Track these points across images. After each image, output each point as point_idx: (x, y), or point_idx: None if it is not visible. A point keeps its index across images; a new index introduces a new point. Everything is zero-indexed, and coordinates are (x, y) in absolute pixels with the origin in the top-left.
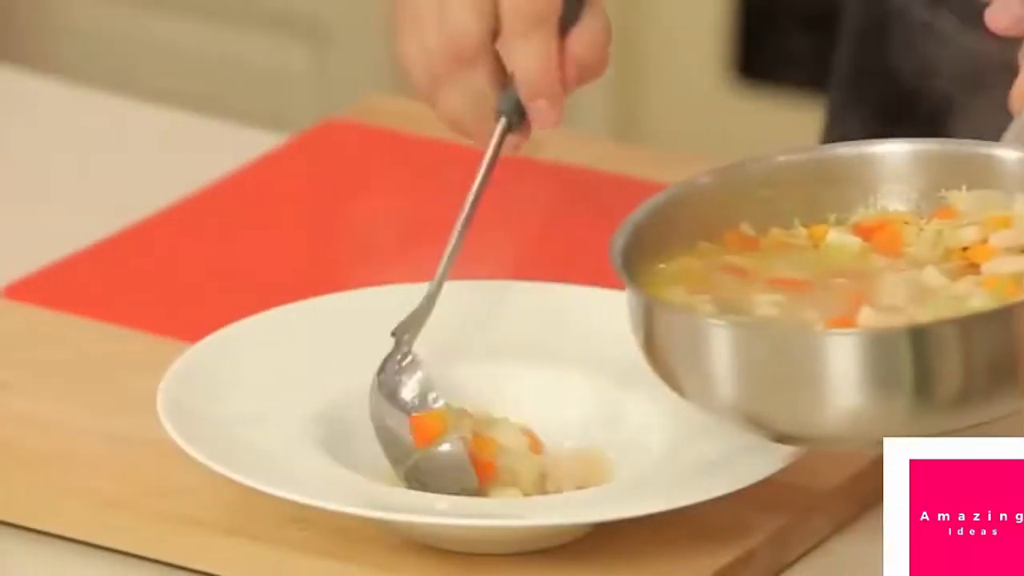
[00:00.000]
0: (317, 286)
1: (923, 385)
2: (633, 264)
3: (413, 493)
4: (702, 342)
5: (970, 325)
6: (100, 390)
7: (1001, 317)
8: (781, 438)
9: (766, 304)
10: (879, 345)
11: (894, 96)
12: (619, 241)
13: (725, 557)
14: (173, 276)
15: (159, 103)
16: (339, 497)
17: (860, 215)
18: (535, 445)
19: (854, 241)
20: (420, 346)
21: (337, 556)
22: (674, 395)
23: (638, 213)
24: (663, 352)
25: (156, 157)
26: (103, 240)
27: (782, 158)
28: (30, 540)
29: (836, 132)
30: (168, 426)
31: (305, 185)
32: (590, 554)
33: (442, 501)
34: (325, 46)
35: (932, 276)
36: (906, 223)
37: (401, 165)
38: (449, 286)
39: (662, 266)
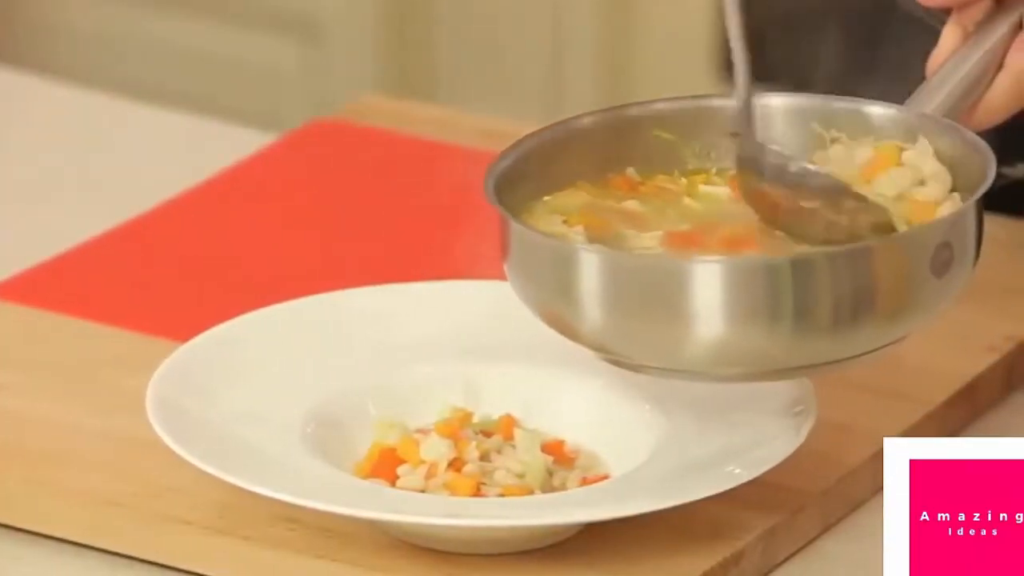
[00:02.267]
0: (308, 285)
1: (792, 314)
2: (515, 193)
3: (405, 493)
4: (572, 269)
5: (832, 259)
6: (93, 390)
7: (863, 254)
8: (646, 369)
9: (641, 239)
10: (741, 274)
11: (880, 93)
12: (499, 167)
13: (714, 557)
14: (164, 275)
15: (152, 102)
16: (330, 497)
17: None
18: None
19: (723, 191)
20: (418, 346)
21: (327, 556)
22: (664, 392)
23: (526, 143)
24: (530, 279)
25: (149, 156)
26: (93, 239)
27: (661, 105)
28: (23, 540)
29: None
30: (156, 425)
31: (295, 184)
32: (579, 554)
33: (433, 501)
34: (318, 46)
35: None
36: None
37: (390, 165)
38: (447, 286)
39: (546, 199)
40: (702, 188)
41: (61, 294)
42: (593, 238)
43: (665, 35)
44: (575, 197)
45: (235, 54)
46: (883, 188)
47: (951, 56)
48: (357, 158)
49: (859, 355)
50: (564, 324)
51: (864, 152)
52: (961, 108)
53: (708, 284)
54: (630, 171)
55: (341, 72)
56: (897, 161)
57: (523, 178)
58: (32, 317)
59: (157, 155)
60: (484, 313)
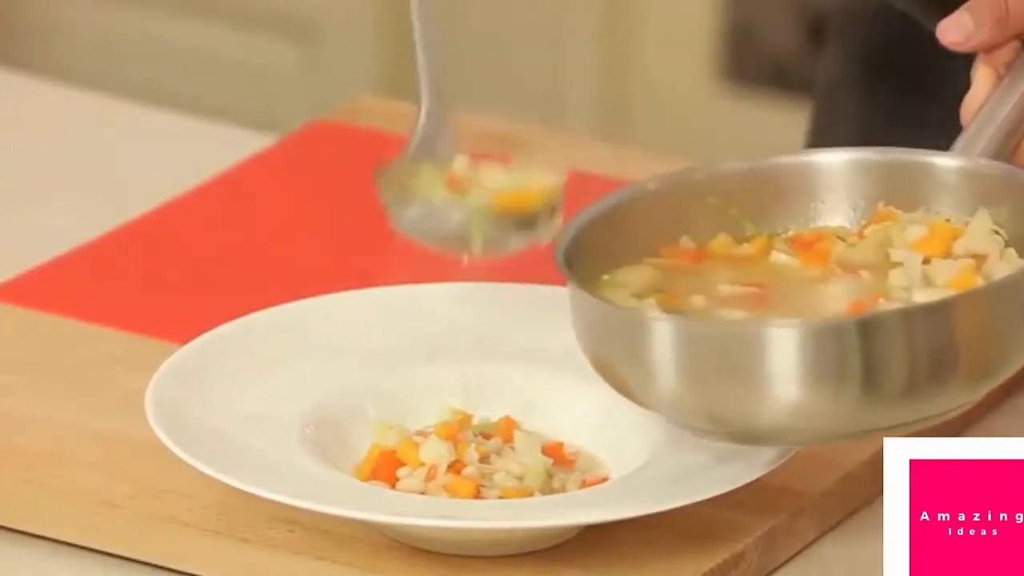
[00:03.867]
0: (307, 287)
1: (862, 377)
2: (577, 269)
3: (404, 495)
4: (648, 338)
5: (913, 316)
6: (93, 391)
7: (942, 310)
8: (727, 436)
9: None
10: (821, 337)
11: (880, 99)
12: (563, 243)
13: (714, 559)
14: (163, 276)
15: (151, 102)
16: (329, 499)
17: (799, 228)
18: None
19: (794, 261)
20: (418, 348)
21: (326, 558)
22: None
23: (582, 217)
24: (607, 351)
25: (149, 157)
26: (93, 239)
27: (726, 166)
28: (20, 541)
29: (821, 137)
30: (155, 426)
31: (293, 186)
32: (578, 556)
33: (432, 503)
34: (316, 47)
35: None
36: (839, 238)
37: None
38: (444, 288)
39: (605, 277)
40: (773, 256)
41: (61, 295)
42: (667, 309)
43: (665, 36)
44: (639, 272)
45: (233, 55)
46: (940, 274)
47: (987, 100)
48: (355, 159)
49: (945, 413)
50: (634, 392)
51: (917, 231)
52: (1004, 154)
53: (777, 349)
54: (684, 240)
55: (339, 73)
56: (952, 240)
57: (587, 251)
58: (32, 318)
59: (156, 155)
60: (484, 315)
